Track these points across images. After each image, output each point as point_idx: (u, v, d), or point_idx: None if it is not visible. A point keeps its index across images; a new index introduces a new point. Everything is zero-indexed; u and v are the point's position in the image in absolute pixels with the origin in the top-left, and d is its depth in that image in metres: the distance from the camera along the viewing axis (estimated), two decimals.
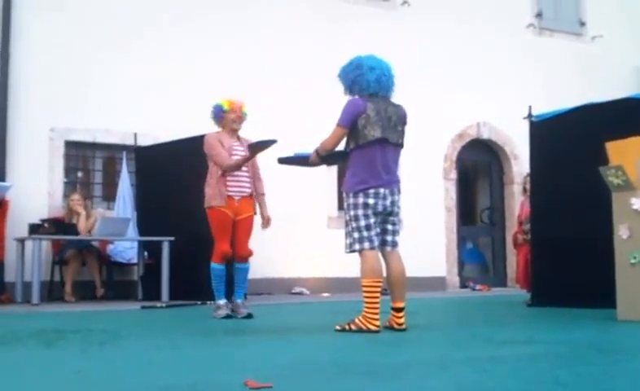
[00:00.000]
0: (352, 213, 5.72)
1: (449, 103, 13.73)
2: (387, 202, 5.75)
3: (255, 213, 7.36)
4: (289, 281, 12.25)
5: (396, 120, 5.81)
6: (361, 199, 5.68)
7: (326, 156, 5.99)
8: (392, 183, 5.80)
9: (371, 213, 5.69)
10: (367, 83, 5.76)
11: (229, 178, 7.16)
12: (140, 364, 4.11)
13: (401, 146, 5.89)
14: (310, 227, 12.47)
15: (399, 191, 5.87)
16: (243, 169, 7.22)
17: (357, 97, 5.80)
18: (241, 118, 7.36)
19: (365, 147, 5.69)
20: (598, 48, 15.50)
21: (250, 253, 7.29)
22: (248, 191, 7.27)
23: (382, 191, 5.71)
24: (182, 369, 3.83)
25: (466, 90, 13.93)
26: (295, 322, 6.94)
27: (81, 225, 10.46)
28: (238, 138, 7.35)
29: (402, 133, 5.88)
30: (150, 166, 11.18)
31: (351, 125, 5.71)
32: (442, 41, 13.95)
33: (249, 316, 7.08)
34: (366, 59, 5.88)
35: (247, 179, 7.26)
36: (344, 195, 5.83)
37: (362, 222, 5.67)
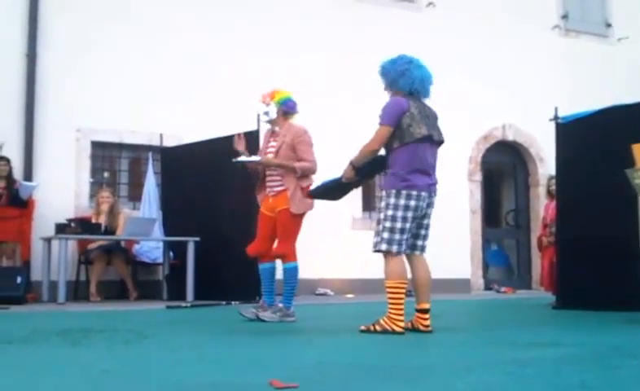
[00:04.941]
0: (389, 212, 5.58)
1: (474, 104, 13.68)
2: (425, 204, 5.67)
3: (288, 208, 6.77)
4: (313, 282, 12.24)
5: (433, 119, 5.79)
6: (402, 201, 5.56)
7: (361, 168, 5.79)
8: (432, 185, 5.73)
9: (410, 217, 5.58)
10: (413, 79, 5.70)
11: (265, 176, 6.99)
12: (165, 363, 4.13)
13: (442, 143, 5.84)
14: (335, 228, 12.45)
15: (435, 194, 5.78)
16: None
17: (398, 97, 5.73)
18: (265, 116, 7.05)
19: (410, 146, 5.60)
20: (623, 50, 15.38)
21: (277, 252, 6.87)
22: (279, 187, 6.85)
23: (423, 193, 5.63)
24: (207, 369, 3.85)
25: (492, 92, 13.89)
26: (320, 323, 6.94)
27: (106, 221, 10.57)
28: (277, 133, 7.00)
29: (440, 131, 5.84)
30: (175, 167, 11.25)
31: (396, 123, 5.63)
32: (467, 43, 13.89)
33: (257, 318, 6.73)
34: (413, 58, 5.84)
35: (276, 175, 6.89)
36: (384, 192, 5.68)
37: (398, 224, 5.57)
